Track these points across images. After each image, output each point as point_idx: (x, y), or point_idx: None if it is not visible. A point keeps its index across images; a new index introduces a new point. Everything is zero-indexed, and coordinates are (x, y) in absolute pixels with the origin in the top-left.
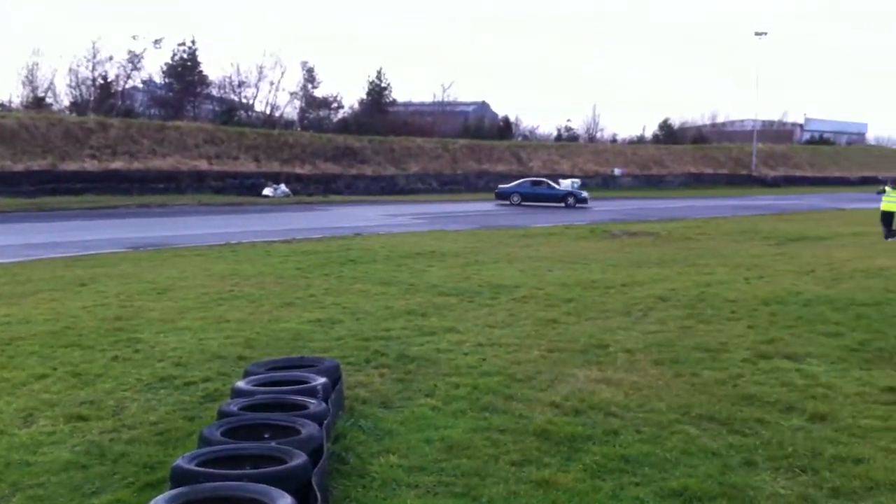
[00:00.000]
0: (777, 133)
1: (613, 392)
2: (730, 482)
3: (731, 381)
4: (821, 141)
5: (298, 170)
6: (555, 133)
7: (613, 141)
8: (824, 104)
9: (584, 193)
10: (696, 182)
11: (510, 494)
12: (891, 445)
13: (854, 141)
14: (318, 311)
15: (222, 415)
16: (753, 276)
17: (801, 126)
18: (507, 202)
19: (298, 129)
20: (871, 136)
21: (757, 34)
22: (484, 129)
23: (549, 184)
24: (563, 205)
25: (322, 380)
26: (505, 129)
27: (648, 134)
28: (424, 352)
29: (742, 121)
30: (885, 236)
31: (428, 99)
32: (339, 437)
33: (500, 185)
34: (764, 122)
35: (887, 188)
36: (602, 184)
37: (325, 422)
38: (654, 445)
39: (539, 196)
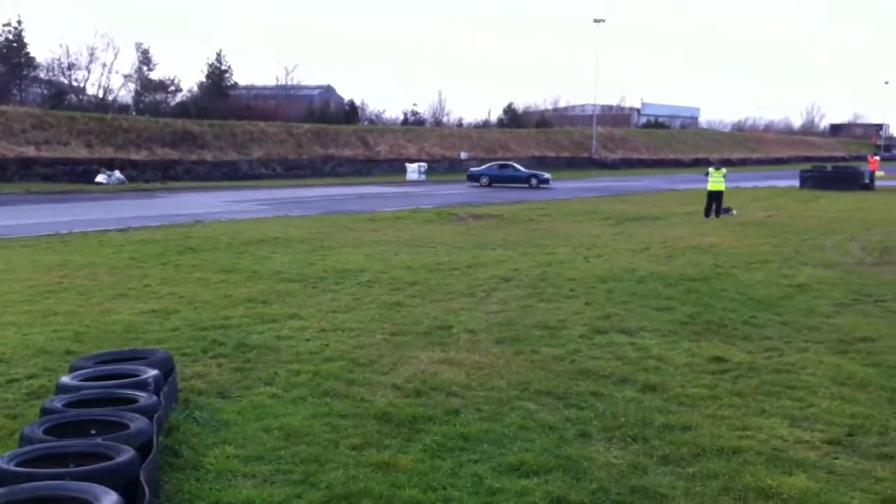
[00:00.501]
0: (616, 117)
1: (455, 372)
2: (565, 454)
3: (569, 357)
4: (656, 125)
5: (134, 156)
6: (401, 117)
7: (460, 125)
8: (659, 89)
9: (547, 175)
10: (540, 165)
11: (349, 479)
12: (717, 413)
13: (687, 125)
14: (154, 302)
15: (45, 412)
16: (592, 255)
17: (638, 111)
18: (477, 184)
19: (133, 113)
20: (704, 119)
21: (595, 21)
22: (329, 113)
23: (514, 167)
24: (527, 185)
25: (153, 372)
26: (351, 113)
27: (494, 118)
28: (265, 339)
29: (583, 105)
30: (705, 214)
31: (271, 82)
32: (172, 430)
33: (471, 168)
34: (603, 106)
35: (711, 170)
36: (449, 167)
37: (156, 415)
38: (494, 422)
39: (505, 178)
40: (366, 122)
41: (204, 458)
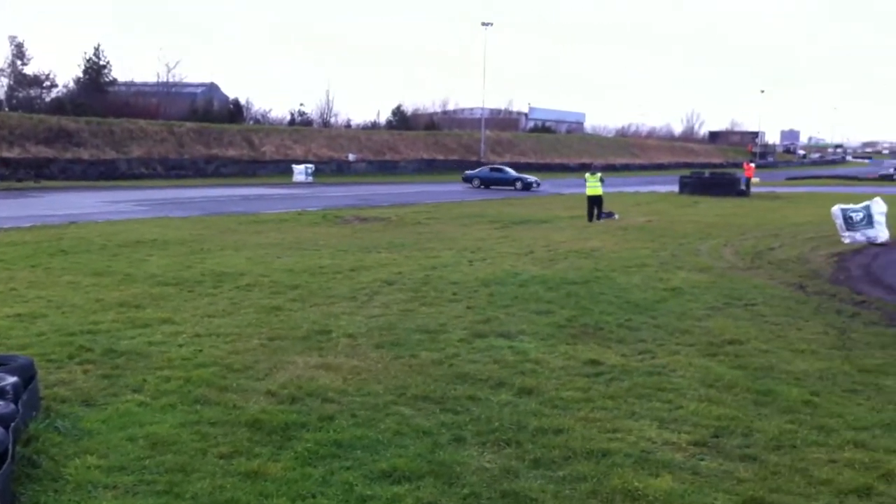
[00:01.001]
0: (504, 121)
1: (332, 377)
2: (438, 459)
3: (448, 361)
4: (543, 129)
5: (6, 153)
6: (288, 117)
7: (348, 126)
8: (546, 94)
9: (531, 178)
10: (429, 168)
11: (216, 489)
12: (589, 415)
13: (574, 129)
14: (19, 306)
15: None
16: (477, 259)
17: (525, 115)
18: (471, 185)
19: (6, 109)
20: (589, 125)
21: (483, 24)
22: (213, 111)
23: (502, 170)
24: (512, 188)
25: (12, 379)
26: (236, 112)
27: (382, 120)
28: (135, 345)
29: (472, 108)
30: (588, 218)
31: (152, 79)
32: (31, 440)
33: (467, 171)
34: (492, 110)
35: (587, 175)
36: (337, 169)
37: (14, 424)
38: (368, 428)
39: (494, 180)
40: (251, 122)
41: (64, 469)
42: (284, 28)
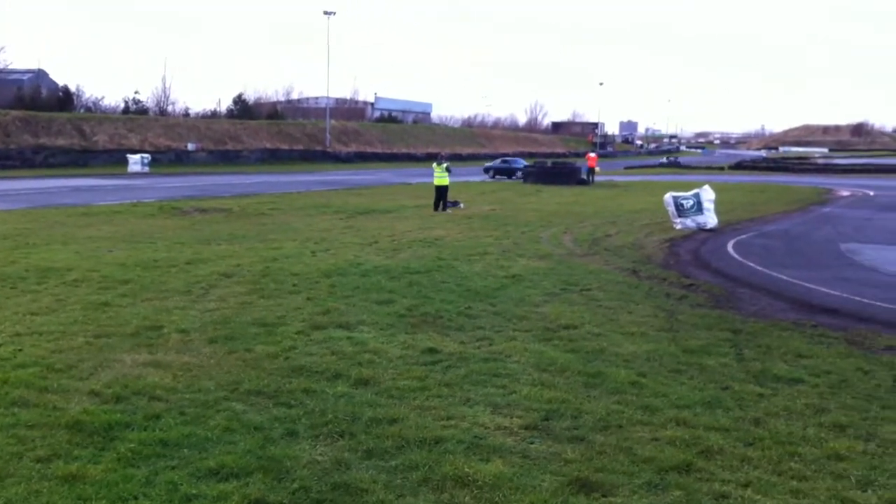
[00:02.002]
0: (350, 110)
1: (161, 375)
2: (269, 455)
3: (284, 354)
4: (390, 119)
5: None
6: (122, 105)
7: (186, 115)
8: (392, 84)
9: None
10: (272, 158)
11: (31, 493)
12: (424, 404)
13: (420, 120)
14: None
15: None
16: (320, 250)
17: (371, 104)
18: (487, 175)
19: None
20: (436, 115)
21: (326, 13)
22: (41, 99)
23: (512, 161)
24: (511, 178)
25: None
26: (65, 99)
27: (223, 108)
28: None
29: (316, 98)
30: (434, 208)
31: None
32: None
33: (486, 164)
34: (337, 99)
35: (434, 165)
36: (175, 159)
37: None
38: (197, 426)
39: (504, 170)
40: (82, 110)
41: None
42: (108, 3)
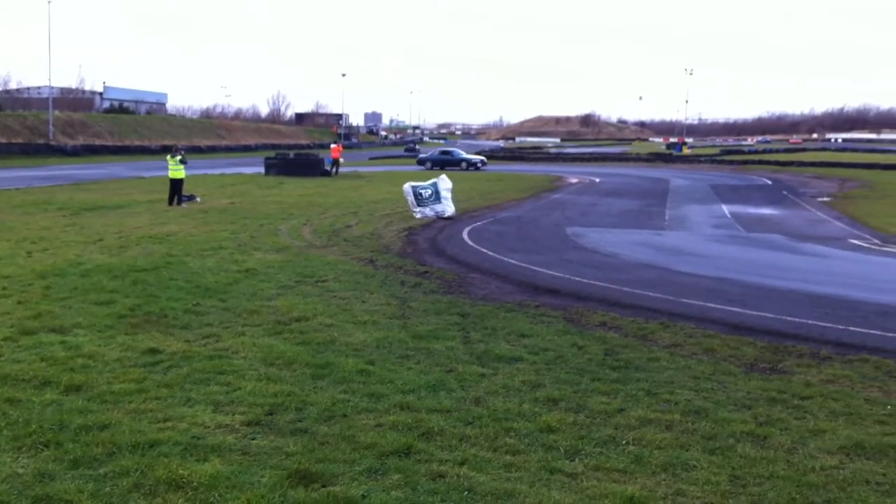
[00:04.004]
0: (76, 101)
1: None
2: None
3: None
4: (121, 110)
5: None
6: None
7: None
8: (124, 73)
9: (478, 159)
10: None
11: None
12: (140, 407)
13: (154, 110)
14: None
15: None
16: (38, 249)
17: (100, 94)
18: (423, 167)
19: None
20: (172, 105)
21: None
22: None
23: (450, 152)
24: (460, 168)
25: None
26: None
27: None
28: None
29: (38, 88)
30: (168, 202)
31: None
32: None
33: (420, 154)
34: (62, 89)
35: (168, 158)
36: None
37: None
38: None
39: (444, 161)
40: None
41: None
42: None
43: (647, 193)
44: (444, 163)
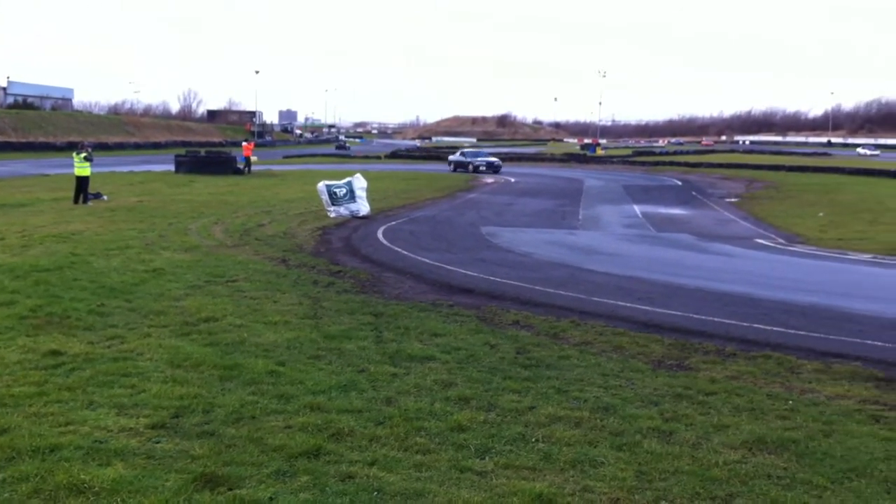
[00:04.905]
0: None
1: None
2: None
3: None
4: (25, 105)
5: None
6: None
7: None
8: (29, 67)
9: (497, 161)
10: None
11: None
12: (41, 410)
13: (60, 106)
14: None
15: None
16: None
17: (3, 89)
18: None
19: None
20: (78, 101)
21: None
22: None
23: (465, 155)
24: (465, 170)
25: None
26: None
27: None
28: None
29: None
30: (74, 200)
31: None
32: None
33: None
34: None
35: (74, 155)
36: None
37: None
38: None
39: (461, 164)
40: None
41: None
42: None
43: (561, 193)
44: (460, 165)
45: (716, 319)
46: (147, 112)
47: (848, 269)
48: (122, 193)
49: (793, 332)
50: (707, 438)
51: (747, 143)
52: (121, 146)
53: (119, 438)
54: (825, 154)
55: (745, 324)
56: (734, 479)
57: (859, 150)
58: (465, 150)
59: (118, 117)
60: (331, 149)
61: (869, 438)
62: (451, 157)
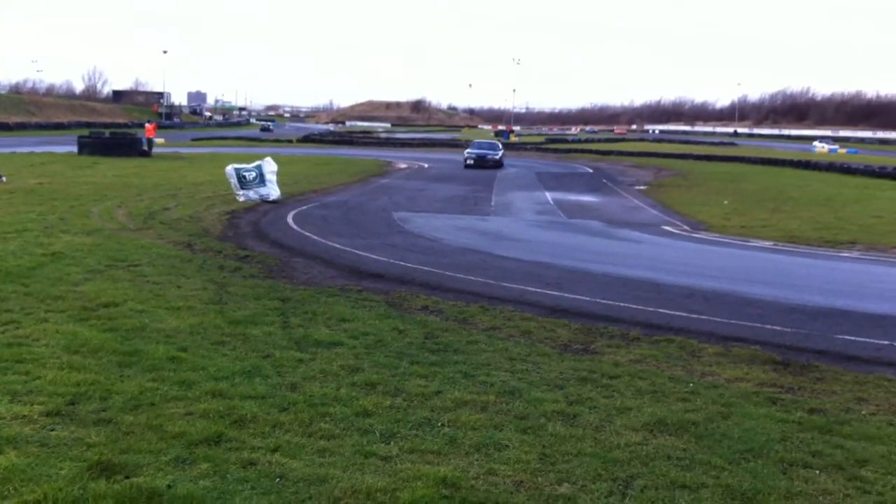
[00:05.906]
0: None
1: None
2: None
3: None
4: None
5: None
6: None
7: None
8: None
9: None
10: None
11: None
12: None
13: None
14: None
15: None
16: None
17: None
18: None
19: None
20: None
21: None
22: None
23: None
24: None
25: None
26: None
27: None
28: None
29: None
30: None
31: None
32: None
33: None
34: None
35: None
36: None
37: None
38: None
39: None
40: None
41: None
42: None
43: (474, 180)
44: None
45: (621, 304)
46: (50, 91)
47: (749, 256)
48: (21, 175)
49: (695, 316)
50: (610, 421)
51: (657, 132)
52: (22, 126)
53: (12, 426)
54: (731, 144)
55: (649, 308)
56: (635, 460)
57: (816, 143)
58: (480, 141)
59: (19, 96)
60: (243, 131)
61: (766, 420)
62: (467, 152)
